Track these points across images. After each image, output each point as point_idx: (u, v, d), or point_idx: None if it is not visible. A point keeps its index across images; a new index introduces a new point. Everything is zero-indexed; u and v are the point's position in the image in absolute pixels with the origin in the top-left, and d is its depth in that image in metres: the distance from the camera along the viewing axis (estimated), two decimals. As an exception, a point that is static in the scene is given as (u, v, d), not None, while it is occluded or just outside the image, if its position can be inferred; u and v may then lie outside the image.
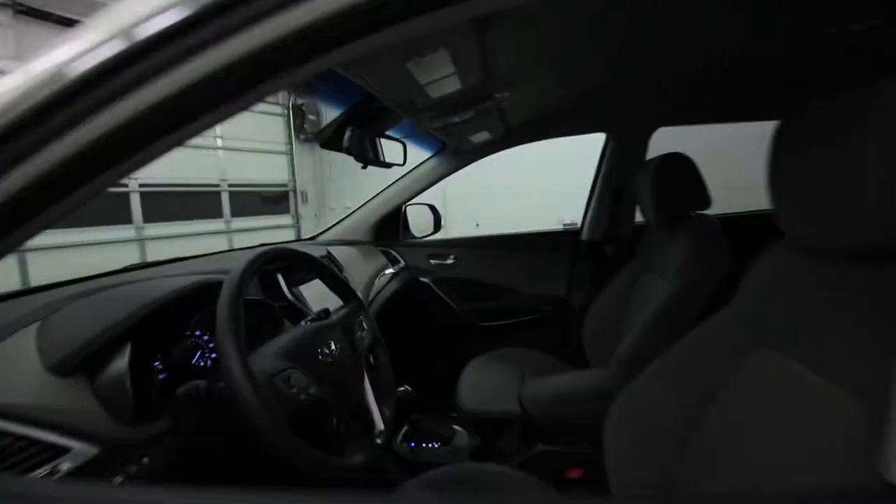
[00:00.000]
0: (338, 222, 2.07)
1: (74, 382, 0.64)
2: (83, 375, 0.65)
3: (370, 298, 1.61)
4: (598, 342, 1.62)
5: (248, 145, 6.03)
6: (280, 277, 1.12)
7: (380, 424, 0.83)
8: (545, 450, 1.18)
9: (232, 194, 6.00)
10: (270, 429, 0.59)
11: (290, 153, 6.60)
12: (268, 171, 6.40)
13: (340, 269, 1.45)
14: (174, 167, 5.19)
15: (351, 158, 1.42)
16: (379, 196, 2.05)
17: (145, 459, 0.65)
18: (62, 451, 0.57)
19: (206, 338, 0.88)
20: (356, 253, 1.86)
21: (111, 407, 0.64)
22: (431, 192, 2.10)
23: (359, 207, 2.05)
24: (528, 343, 1.86)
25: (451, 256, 2.07)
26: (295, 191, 6.72)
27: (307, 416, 0.69)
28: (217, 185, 5.86)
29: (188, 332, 0.85)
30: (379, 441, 0.81)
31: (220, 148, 5.81)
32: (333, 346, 0.80)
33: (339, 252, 1.77)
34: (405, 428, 1.30)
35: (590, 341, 1.66)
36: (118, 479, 0.60)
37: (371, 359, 0.93)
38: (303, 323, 0.94)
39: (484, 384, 1.51)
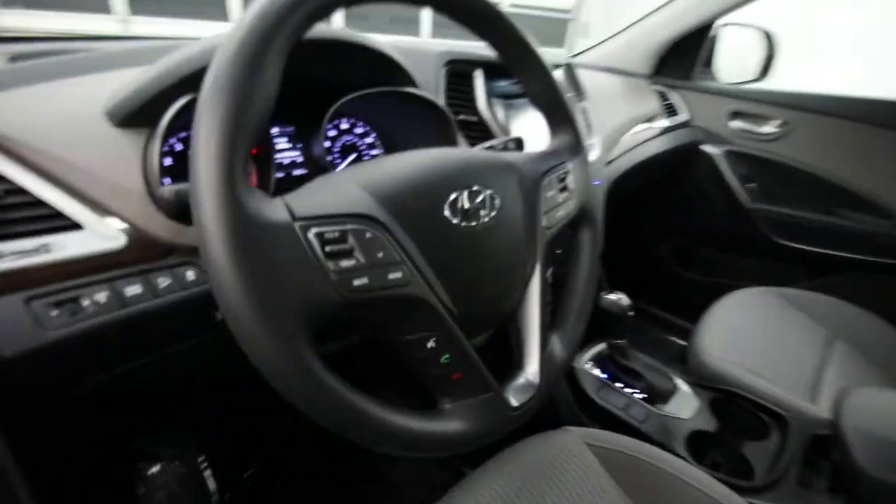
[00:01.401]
0: (608, 38, 1.43)
1: (135, 135, 0.43)
2: (145, 131, 0.43)
3: (612, 157, 1.07)
4: None
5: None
6: (478, 79, 0.71)
7: (531, 364, 0.42)
8: None
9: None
10: (273, 348, 0.26)
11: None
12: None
13: (581, 96, 0.93)
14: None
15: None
16: (672, 5, 1.27)
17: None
18: (70, 226, 0.37)
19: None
20: (619, 86, 1.26)
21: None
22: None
23: (640, 20, 1.34)
24: (856, 296, 1.06)
25: (776, 122, 1.24)
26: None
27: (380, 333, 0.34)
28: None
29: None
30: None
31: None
32: (490, 202, 0.39)
33: (593, 79, 1.21)
34: (601, 347, 0.87)
35: None
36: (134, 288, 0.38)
37: (555, 251, 0.49)
38: (476, 148, 0.54)
39: (755, 341, 0.91)
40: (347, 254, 0.29)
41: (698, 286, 1.46)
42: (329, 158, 0.66)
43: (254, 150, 0.61)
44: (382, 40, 0.63)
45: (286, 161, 0.62)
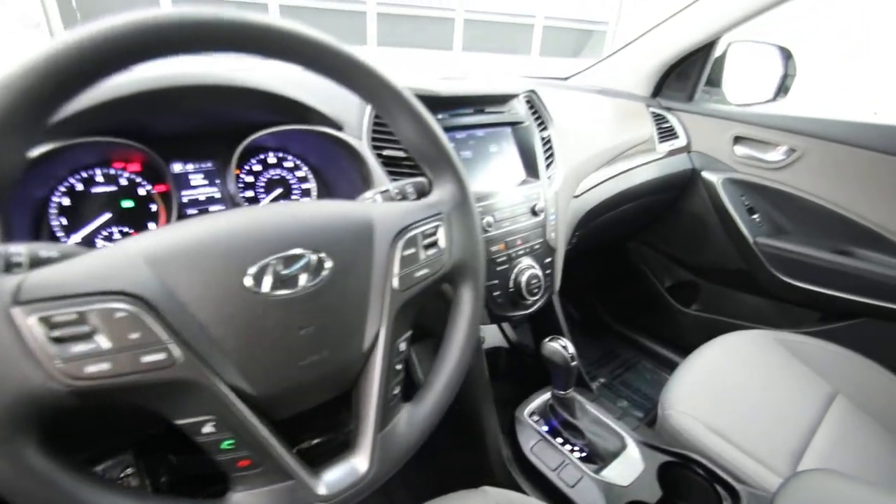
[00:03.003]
0: (604, 58, 1.36)
1: None
2: None
3: (593, 184, 1.01)
4: None
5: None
6: None
7: (361, 447, 0.38)
8: None
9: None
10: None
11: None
12: None
13: (543, 123, 0.87)
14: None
15: None
16: (671, 22, 1.19)
17: None
18: None
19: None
20: (612, 109, 1.19)
21: None
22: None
23: (637, 38, 1.26)
24: (859, 347, 0.94)
25: (782, 148, 1.13)
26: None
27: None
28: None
29: None
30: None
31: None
32: (316, 266, 0.35)
33: (584, 103, 1.15)
34: (547, 396, 0.78)
35: None
36: None
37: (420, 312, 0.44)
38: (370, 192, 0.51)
39: (735, 394, 0.82)
40: (84, 337, 0.27)
41: (699, 323, 1.35)
42: (244, 194, 0.65)
43: (165, 187, 0.61)
44: (295, 78, 0.62)
45: (202, 198, 0.62)
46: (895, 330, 1.00)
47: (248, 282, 0.33)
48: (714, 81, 1.29)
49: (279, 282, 0.34)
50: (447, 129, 0.72)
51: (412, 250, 0.41)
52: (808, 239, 1.11)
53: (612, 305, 1.63)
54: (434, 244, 0.43)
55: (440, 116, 0.71)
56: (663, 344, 1.48)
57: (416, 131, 0.43)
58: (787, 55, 1.22)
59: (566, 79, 1.42)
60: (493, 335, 1.02)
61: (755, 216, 1.17)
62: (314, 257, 0.35)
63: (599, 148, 1.04)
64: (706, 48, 1.19)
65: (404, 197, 0.51)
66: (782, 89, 1.22)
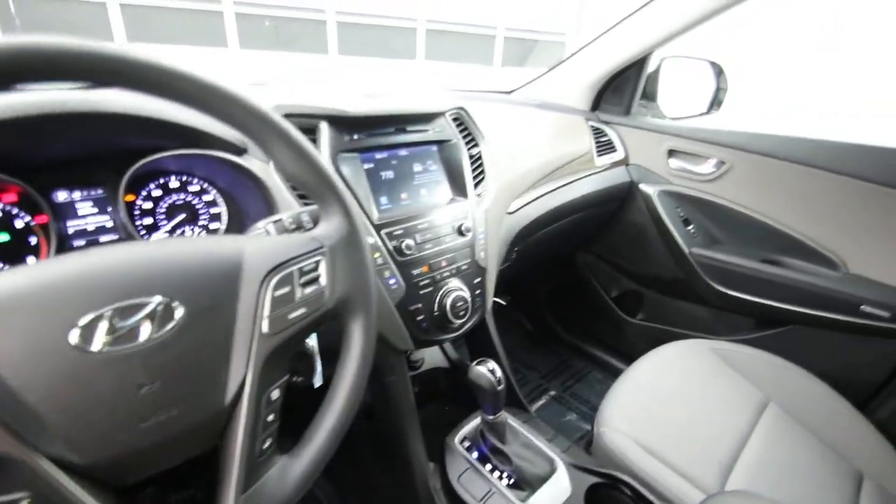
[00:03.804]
0: (546, 72, 1.38)
1: None
2: None
3: (527, 200, 1.01)
4: None
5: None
6: (323, 133, 0.64)
7: None
8: None
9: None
10: None
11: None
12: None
13: (473, 140, 0.86)
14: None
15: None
16: (604, 38, 1.21)
17: None
18: None
19: None
20: (551, 123, 1.20)
21: None
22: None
23: (575, 53, 1.28)
24: (790, 354, 0.97)
25: (713, 161, 1.16)
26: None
27: None
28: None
29: None
30: None
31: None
32: (164, 315, 0.32)
33: (523, 117, 1.15)
34: (477, 422, 0.75)
35: None
36: None
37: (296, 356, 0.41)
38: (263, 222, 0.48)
39: (670, 408, 0.83)
40: None
41: (644, 332, 1.37)
42: (142, 222, 0.61)
43: (45, 218, 0.56)
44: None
45: (91, 227, 0.58)
46: (822, 337, 1.04)
47: (75, 338, 0.29)
48: (651, 95, 1.33)
49: (114, 336, 0.30)
50: (364, 150, 0.70)
51: (286, 289, 0.38)
52: (739, 249, 1.14)
53: (563, 316, 1.64)
54: (314, 281, 0.40)
55: (356, 137, 0.68)
56: (612, 353, 1.49)
57: (293, 161, 0.40)
58: (718, 70, 1.26)
59: (510, 92, 1.43)
60: (433, 354, 1.00)
61: (690, 227, 1.20)
62: (160, 305, 0.32)
63: (535, 163, 1.04)
64: (638, 63, 1.22)
65: (299, 226, 0.48)
66: (716, 102, 1.26)
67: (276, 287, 0.38)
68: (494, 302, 1.79)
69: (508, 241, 0.94)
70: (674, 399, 0.85)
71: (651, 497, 0.64)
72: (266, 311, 0.37)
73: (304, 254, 0.40)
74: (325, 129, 0.66)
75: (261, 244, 0.39)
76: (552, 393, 1.41)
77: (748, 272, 1.09)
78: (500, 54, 5.87)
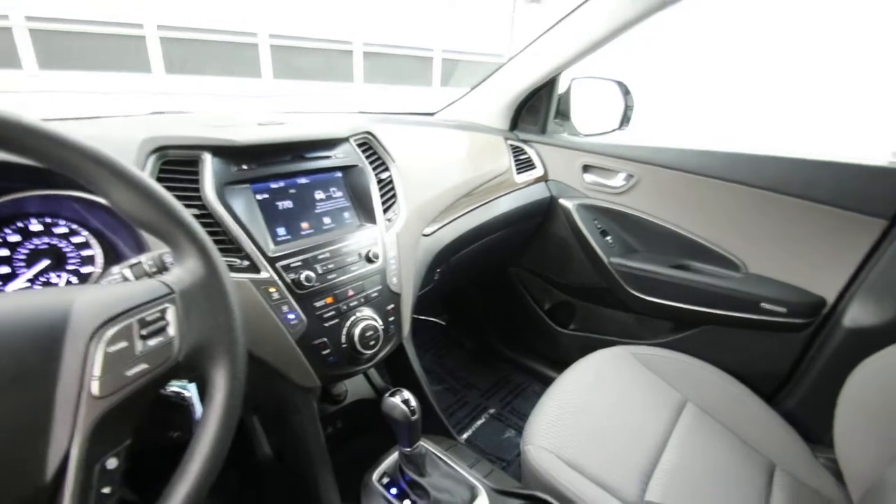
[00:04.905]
0: (467, 93, 1.40)
1: None
2: None
3: (446, 221, 1.01)
4: (890, 427, 0.72)
5: None
6: (206, 164, 0.61)
7: None
8: None
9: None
10: None
11: None
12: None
13: (383, 164, 0.86)
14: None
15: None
16: (516, 60, 1.26)
17: None
18: None
19: None
20: (470, 143, 1.21)
21: None
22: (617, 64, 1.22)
23: (491, 74, 1.32)
24: (705, 353, 1.03)
25: (622, 175, 1.22)
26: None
27: None
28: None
29: None
30: None
31: None
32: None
33: (442, 139, 1.16)
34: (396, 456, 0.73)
35: (864, 410, 0.77)
36: None
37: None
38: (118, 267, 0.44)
39: (592, 418, 0.84)
40: None
41: (577, 342, 1.40)
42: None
43: None
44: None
45: None
46: (731, 335, 1.10)
47: None
48: (566, 114, 1.38)
49: None
50: (256, 180, 0.67)
51: (123, 344, 0.35)
52: (653, 256, 1.20)
53: (502, 332, 1.64)
54: (159, 331, 0.37)
55: (245, 167, 0.65)
56: (549, 365, 1.51)
57: (135, 201, 0.37)
58: (625, 90, 1.33)
59: (433, 114, 1.44)
60: (359, 386, 0.96)
61: (608, 238, 1.25)
62: None
63: (452, 183, 1.05)
64: (549, 84, 1.27)
65: (161, 269, 0.44)
66: (625, 119, 1.33)
67: (111, 342, 0.34)
68: (434, 323, 1.78)
69: (427, 264, 0.93)
70: (595, 409, 0.86)
71: None
72: (97, 371, 0.33)
73: (147, 302, 0.36)
74: (208, 159, 0.62)
75: (95, 294, 0.35)
76: (492, 411, 1.41)
77: (661, 278, 1.14)
78: (440, 75, 5.99)
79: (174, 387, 0.51)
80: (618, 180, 1.22)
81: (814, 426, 0.93)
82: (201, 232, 0.40)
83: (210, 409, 0.39)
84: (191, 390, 0.50)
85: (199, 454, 0.37)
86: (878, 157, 1.12)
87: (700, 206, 1.13)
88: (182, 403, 0.50)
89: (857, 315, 0.92)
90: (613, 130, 1.33)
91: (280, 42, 5.45)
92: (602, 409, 0.86)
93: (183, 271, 0.39)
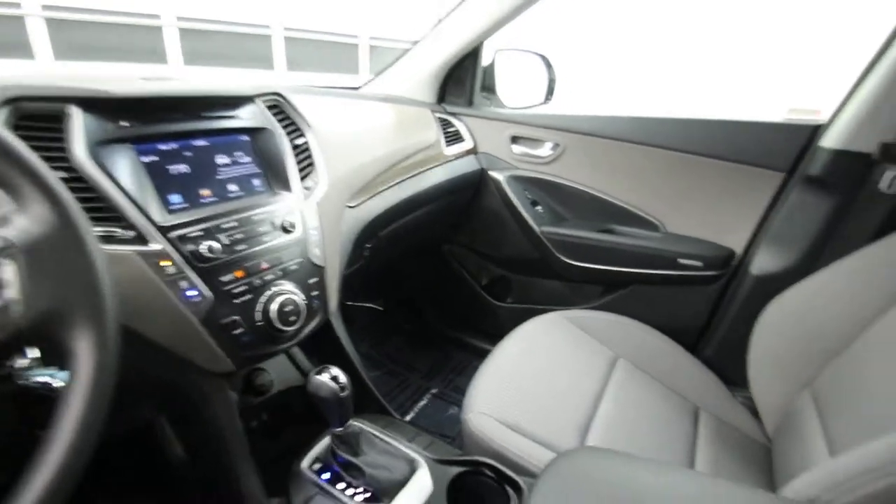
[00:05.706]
0: (390, 65, 1.35)
1: None
2: None
3: (370, 194, 0.96)
4: (794, 361, 0.79)
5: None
6: (75, 119, 0.51)
7: None
8: None
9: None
10: None
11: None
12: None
13: (298, 129, 0.79)
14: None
15: None
16: (436, 31, 1.23)
17: None
18: None
19: None
20: (396, 116, 1.16)
21: None
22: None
23: (414, 46, 1.28)
24: (634, 311, 1.07)
25: (549, 144, 1.23)
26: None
27: None
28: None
29: None
30: None
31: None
32: None
33: (365, 110, 1.10)
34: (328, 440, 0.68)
35: (772, 349, 0.84)
36: None
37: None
38: None
39: (530, 381, 0.84)
40: None
41: (515, 315, 1.41)
42: None
43: None
44: None
45: None
46: (656, 292, 1.16)
47: None
48: (491, 87, 1.37)
49: None
50: (140, 140, 0.58)
51: None
52: (580, 222, 1.23)
53: (440, 311, 1.62)
54: None
55: (124, 124, 0.56)
56: (488, 340, 1.51)
57: None
58: (548, 63, 1.34)
59: (358, 88, 1.38)
60: (286, 374, 0.89)
61: (538, 207, 1.26)
62: None
63: (377, 154, 1.00)
64: (472, 55, 1.25)
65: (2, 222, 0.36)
66: (549, 93, 1.34)
67: None
68: (370, 308, 1.72)
69: (354, 238, 0.87)
70: (534, 372, 0.86)
71: (511, 473, 0.62)
72: None
73: None
74: (76, 114, 0.52)
75: None
76: (434, 391, 1.38)
77: (590, 243, 1.17)
78: (367, 62, 5.81)
79: (42, 377, 0.43)
80: (545, 150, 1.23)
81: (731, 369, 1.00)
82: (51, 175, 0.33)
83: (74, 384, 0.32)
84: (60, 378, 0.42)
85: (59, 444, 0.30)
86: (776, 114, 1.21)
87: (620, 170, 1.17)
88: (50, 395, 0.41)
89: (763, 263, 0.99)
90: (539, 105, 1.34)
91: (188, 25, 4.98)
92: (539, 372, 0.86)
93: (28, 221, 0.32)
